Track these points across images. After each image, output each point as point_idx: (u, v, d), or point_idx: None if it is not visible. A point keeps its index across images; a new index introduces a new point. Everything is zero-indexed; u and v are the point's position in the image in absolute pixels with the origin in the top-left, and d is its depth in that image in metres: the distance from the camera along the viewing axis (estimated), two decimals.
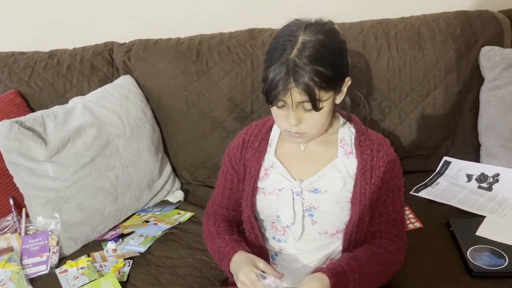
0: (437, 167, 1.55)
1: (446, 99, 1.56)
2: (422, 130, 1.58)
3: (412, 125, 1.58)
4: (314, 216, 1.03)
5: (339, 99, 1.00)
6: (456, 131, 1.58)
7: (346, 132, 1.07)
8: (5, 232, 1.34)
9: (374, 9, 1.69)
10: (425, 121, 1.58)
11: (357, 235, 1.04)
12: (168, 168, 1.60)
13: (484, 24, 1.56)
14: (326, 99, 0.94)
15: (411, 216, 1.36)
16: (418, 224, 1.33)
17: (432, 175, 1.54)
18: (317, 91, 0.91)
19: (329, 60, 0.92)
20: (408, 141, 1.59)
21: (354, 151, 1.04)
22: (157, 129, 1.59)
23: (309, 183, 1.03)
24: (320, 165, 1.04)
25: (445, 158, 1.56)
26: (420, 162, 1.59)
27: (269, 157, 1.08)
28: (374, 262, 1.00)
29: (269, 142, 1.10)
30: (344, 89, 0.99)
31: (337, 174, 1.03)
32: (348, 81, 0.99)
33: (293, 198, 1.03)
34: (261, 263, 0.98)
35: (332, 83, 0.93)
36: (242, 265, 0.98)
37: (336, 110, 1.05)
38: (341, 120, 1.08)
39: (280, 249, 1.09)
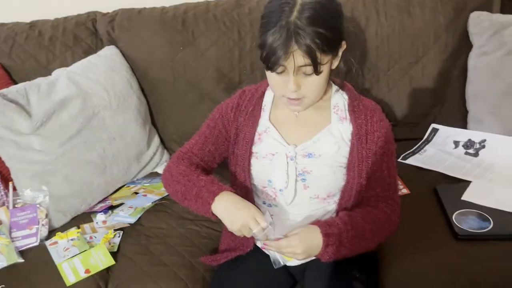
0: (425, 134, 1.56)
1: (434, 66, 1.55)
2: (411, 98, 1.58)
3: (400, 93, 1.58)
4: (306, 180, 1.04)
5: (335, 64, 0.99)
6: (444, 98, 1.59)
7: (339, 99, 1.07)
8: None
9: None
10: (413, 88, 1.58)
11: (354, 200, 1.05)
12: (156, 140, 1.59)
13: None
14: (326, 63, 0.93)
15: (399, 183, 1.37)
16: (405, 191, 1.35)
17: (420, 142, 1.55)
18: (318, 54, 0.90)
19: (329, 22, 0.91)
20: (396, 109, 1.60)
21: (348, 117, 1.05)
22: (144, 101, 1.57)
23: (303, 147, 1.04)
24: (314, 131, 1.04)
25: (433, 125, 1.57)
26: (408, 130, 1.60)
27: (263, 122, 1.07)
28: (368, 220, 1.02)
29: (262, 107, 1.09)
30: (340, 53, 0.99)
31: (332, 139, 1.03)
32: (344, 45, 0.98)
33: (287, 163, 1.03)
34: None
35: (331, 46, 0.93)
36: (242, 206, 0.98)
37: (329, 77, 1.04)
38: (334, 86, 1.08)
39: (271, 213, 1.09)
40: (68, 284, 1.15)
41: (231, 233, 1.16)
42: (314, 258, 1.08)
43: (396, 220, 1.07)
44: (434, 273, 1.08)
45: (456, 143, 1.48)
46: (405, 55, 1.55)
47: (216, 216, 1.00)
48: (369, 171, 1.03)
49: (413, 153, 1.51)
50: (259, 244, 1.13)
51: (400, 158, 1.48)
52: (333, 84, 1.07)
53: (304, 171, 1.04)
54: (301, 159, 1.03)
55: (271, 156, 1.05)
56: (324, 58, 0.92)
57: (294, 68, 0.91)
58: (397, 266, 1.12)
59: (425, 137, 1.56)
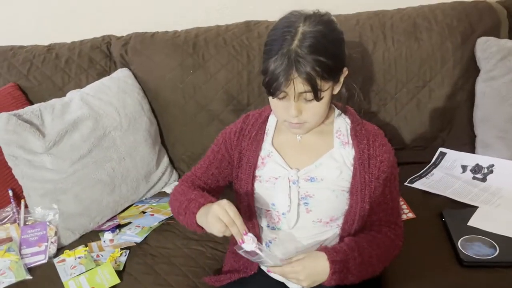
0: (432, 158, 1.55)
1: (442, 90, 1.56)
2: (418, 121, 1.59)
3: (408, 117, 1.59)
4: (309, 204, 1.05)
5: (336, 90, 1.01)
6: (452, 122, 1.58)
7: (342, 123, 1.08)
8: (5, 223, 1.37)
9: (370, 0, 1.69)
10: (421, 112, 1.58)
11: (358, 224, 1.06)
12: (165, 160, 1.62)
13: (481, 15, 1.56)
14: (326, 89, 0.95)
15: (404, 207, 1.37)
16: (411, 215, 1.34)
17: (427, 166, 1.54)
18: (318, 81, 0.92)
19: (330, 50, 0.93)
20: (404, 133, 1.60)
21: (350, 141, 1.06)
22: (154, 121, 1.61)
23: (306, 172, 1.05)
24: (316, 155, 1.05)
25: (441, 149, 1.56)
26: (415, 154, 1.60)
27: (266, 147, 1.09)
28: (374, 245, 1.02)
29: (265, 132, 1.11)
30: (342, 79, 1.01)
31: (334, 163, 1.04)
32: (345, 71, 1.00)
33: (290, 187, 1.04)
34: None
35: (332, 73, 0.95)
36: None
37: (332, 101, 1.06)
38: (336, 111, 1.10)
39: (274, 236, 1.10)
40: None
41: (235, 254, 1.18)
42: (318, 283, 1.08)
43: (399, 245, 1.07)
44: None
45: (464, 168, 1.48)
46: (413, 79, 1.56)
47: (202, 228, 1.00)
48: (372, 195, 1.04)
49: (420, 177, 1.50)
50: (263, 268, 1.14)
51: (407, 181, 1.48)
52: (335, 108, 1.09)
53: (306, 195, 1.05)
54: (303, 183, 1.05)
55: (274, 180, 1.06)
56: (324, 85, 0.94)
57: (295, 94, 0.93)
58: None
59: (433, 160, 1.55)
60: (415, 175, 1.51)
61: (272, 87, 0.93)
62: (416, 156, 1.59)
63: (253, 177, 1.08)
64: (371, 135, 1.05)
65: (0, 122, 1.31)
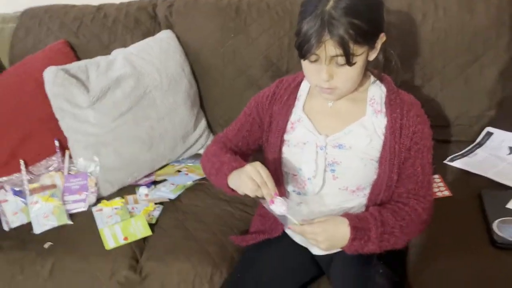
0: (477, 137, 1.48)
1: (494, 66, 1.46)
2: (465, 98, 1.50)
3: (454, 93, 1.51)
4: (335, 171, 1.04)
5: (372, 56, 0.98)
6: (502, 101, 1.49)
7: (377, 91, 1.05)
8: (50, 171, 1.46)
9: None
10: (469, 89, 1.49)
11: (384, 195, 1.04)
12: (203, 123, 1.65)
13: None
14: (360, 54, 0.93)
15: (441, 184, 1.32)
16: (447, 193, 1.29)
17: (471, 145, 1.47)
18: (351, 45, 0.89)
19: (365, 13, 0.90)
20: (448, 110, 1.52)
21: (383, 110, 1.03)
22: (194, 84, 1.63)
23: (334, 138, 1.04)
24: (346, 122, 1.04)
25: (488, 128, 1.48)
26: (459, 132, 1.53)
27: (297, 111, 1.09)
28: (398, 217, 1.00)
29: (297, 97, 1.10)
30: (378, 45, 0.97)
31: (364, 131, 1.03)
32: (382, 37, 0.97)
33: (317, 152, 1.04)
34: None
35: (367, 38, 0.92)
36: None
37: (367, 68, 1.03)
38: (372, 78, 1.06)
39: (300, 201, 1.11)
40: (107, 248, 1.24)
41: (263, 217, 1.20)
42: (340, 250, 1.08)
43: (427, 219, 1.03)
44: (467, 280, 1.03)
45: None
46: (463, 53, 1.47)
47: (232, 190, 1.03)
48: (401, 166, 1.01)
49: (462, 155, 1.44)
50: (288, 231, 1.15)
51: (447, 159, 1.42)
52: (371, 76, 1.06)
53: (333, 161, 1.04)
54: (331, 149, 1.03)
55: (302, 145, 1.06)
56: (357, 50, 0.91)
57: (326, 57, 0.91)
58: (427, 268, 1.08)
59: (478, 140, 1.48)
60: (457, 154, 1.44)
61: (303, 49, 0.91)
62: (460, 134, 1.53)
63: (282, 141, 1.08)
64: (406, 104, 1.02)
65: (49, 75, 1.38)
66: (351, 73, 0.94)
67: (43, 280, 1.19)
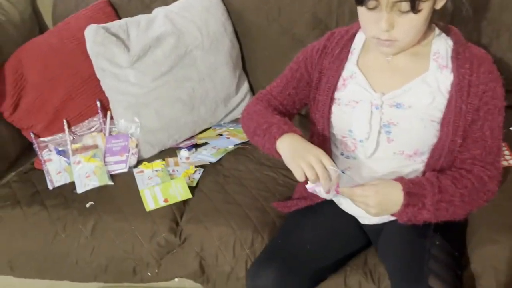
0: None
1: None
2: None
3: None
4: (391, 133, 0.95)
5: (440, 4, 0.87)
6: None
7: (442, 44, 0.94)
8: (92, 131, 1.45)
9: None
10: None
11: (445, 161, 0.94)
12: (245, 86, 1.58)
13: None
14: (427, 0, 0.82)
15: (507, 153, 1.20)
16: None
17: None
18: None
19: None
20: None
21: (449, 65, 0.92)
22: (237, 45, 1.55)
23: (391, 96, 0.94)
24: (406, 79, 0.93)
25: None
26: None
27: (350, 66, 0.99)
28: (459, 184, 0.90)
29: (351, 50, 1.00)
30: None
31: (426, 88, 0.92)
32: None
33: (371, 112, 0.94)
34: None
35: None
36: (310, 146, 0.91)
37: (432, 19, 0.92)
38: (437, 30, 0.95)
39: (348, 166, 1.03)
40: (147, 210, 1.22)
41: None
42: (392, 219, 1.00)
43: (493, 189, 0.93)
44: None
45: None
46: None
47: (279, 155, 0.95)
48: (467, 129, 0.90)
49: None
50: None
51: None
52: (436, 28, 0.94)
53: (390, 122, 0.94)
54: (387, 109, 0.94)
55: (355, 104, 0.97)
56: None
57: (388, 2, 0.81)
58: (489, 243, 0.98)
59: None
60: None
61: None
62: None
63: (332, 99, 0.99)
64: (476, 58, 0.90)
65: (90, 33, 1.35)
66: (415, 22, 0.84)
67: (85, 239, 1.20)
